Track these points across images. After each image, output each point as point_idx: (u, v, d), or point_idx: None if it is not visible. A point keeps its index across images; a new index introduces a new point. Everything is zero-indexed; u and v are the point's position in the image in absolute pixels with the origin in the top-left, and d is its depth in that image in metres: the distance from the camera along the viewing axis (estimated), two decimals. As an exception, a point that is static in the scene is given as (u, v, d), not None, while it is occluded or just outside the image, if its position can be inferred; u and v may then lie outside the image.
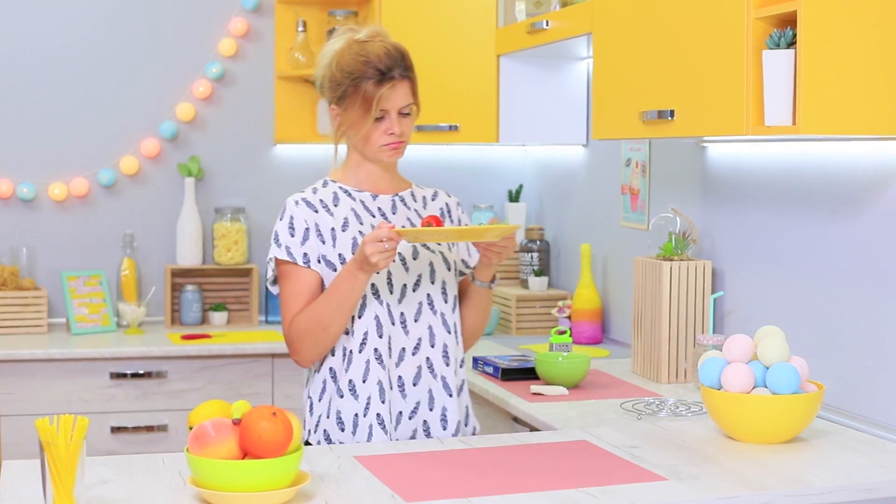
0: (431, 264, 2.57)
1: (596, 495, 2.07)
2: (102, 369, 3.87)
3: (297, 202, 2.55)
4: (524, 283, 4.33)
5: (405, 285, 2.54)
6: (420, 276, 2.56)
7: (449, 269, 2.60)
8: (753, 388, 2.45)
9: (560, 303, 4.03)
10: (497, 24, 4.05)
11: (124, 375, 3.88)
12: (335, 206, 2.56)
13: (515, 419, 2.99)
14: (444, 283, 2.58)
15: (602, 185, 4.06)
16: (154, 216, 4.42)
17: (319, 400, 2.56)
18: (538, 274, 4.30)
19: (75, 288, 4.22)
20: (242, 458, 2.01)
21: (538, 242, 4.37)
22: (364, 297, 2.51)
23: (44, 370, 3.84)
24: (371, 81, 2.48)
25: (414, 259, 2.56)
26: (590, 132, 4.11)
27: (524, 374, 3.24)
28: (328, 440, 2.54)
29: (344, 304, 2.46)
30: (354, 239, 2.53)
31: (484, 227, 2.39)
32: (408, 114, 2.54)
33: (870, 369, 2.68)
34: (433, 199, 2.67)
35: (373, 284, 2.51)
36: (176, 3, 4.39)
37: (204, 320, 4.39)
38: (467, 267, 2.67)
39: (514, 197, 4.57)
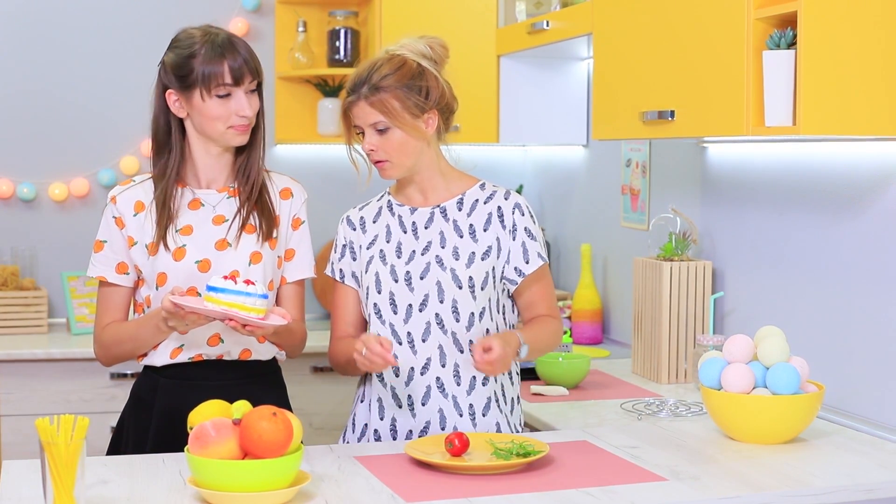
0: (439, 283, 2.48)
1: (596, 495, 2.07)
2: (102, 369, 3.86)
3: (342, 220, 2.63)
4: (524, 284, 4.33)
5: (410, 305, 2.49)
6: (427, 295, 2.49)
7: (461, 288, 2.48)
8: (753, 388, 2.45)
9: (560, 303, 4.04)
10: (497, 25, 4.05)
11: (124, 375, 3.87)
12: (374, 222, 2.58)
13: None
14: (454, 301, 2.48)
15: (602, 186, 4.06)
16: (154, 216, 4.42)
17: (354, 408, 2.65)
18: (538, 274, 4.30)
19: (75, 288, 4.21)
20: (242, 458, 2.01)
21: (538, 242, 4.36)
22: (369, 316, 2.54)
23: (44, 370, 3.84)
24: (346, 96, 2.50)
25: (421, 279, 2.50)
26: (590, 132, 4.10)
27: (524, 374, 3.22)
28: None
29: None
30: (372, 258, 2.54)
31: (511, 463, 2.20)
32: (384, 129, 2.45)
33: (870, 369, 2.68)
34: (486, 202, 2.57)
35: (375, 304, 2.52)
36: (176, 4, 4.39)
37: (204, 320, 4.39)
38: (520, 275, 2.54)
39: (515, 197, 4.57)
